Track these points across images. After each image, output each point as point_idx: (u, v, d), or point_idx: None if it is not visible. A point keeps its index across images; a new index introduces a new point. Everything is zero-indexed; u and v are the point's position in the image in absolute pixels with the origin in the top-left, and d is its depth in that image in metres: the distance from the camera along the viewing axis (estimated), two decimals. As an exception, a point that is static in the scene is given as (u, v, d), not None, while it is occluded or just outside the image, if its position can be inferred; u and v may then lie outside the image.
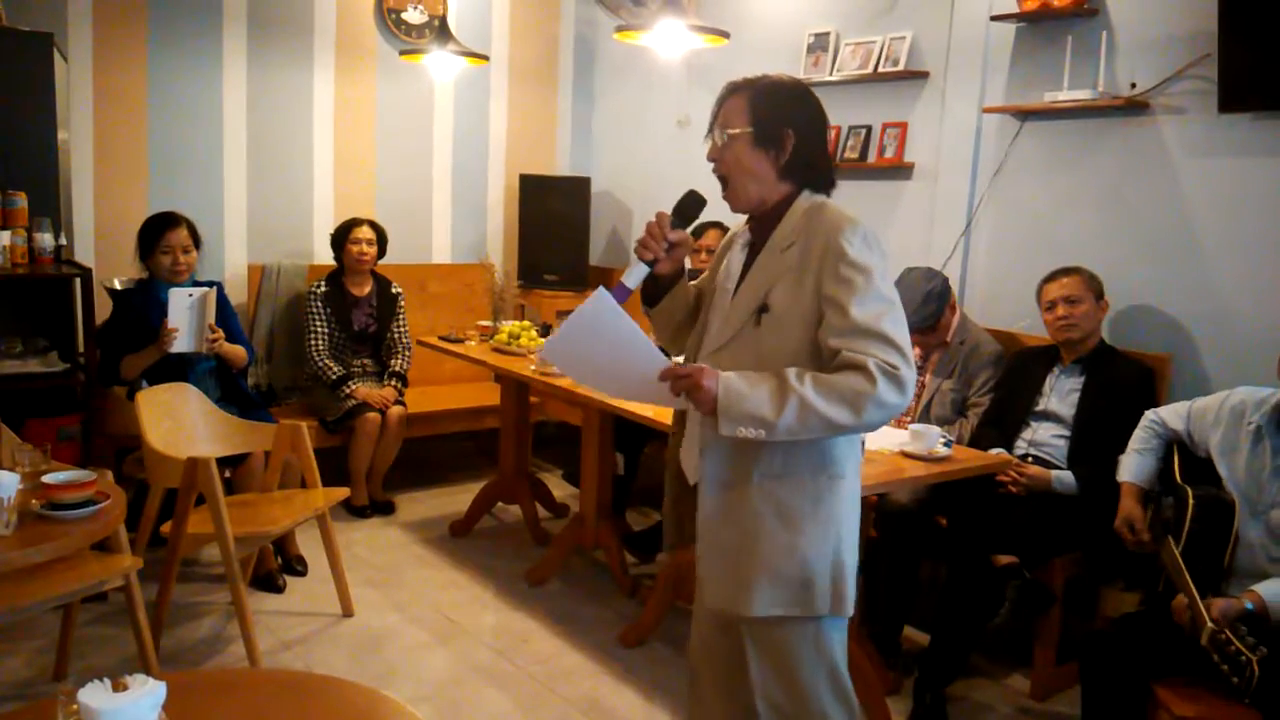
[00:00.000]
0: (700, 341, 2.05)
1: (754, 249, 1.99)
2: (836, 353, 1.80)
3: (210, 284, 3.79)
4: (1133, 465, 2.80)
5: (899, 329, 1.82)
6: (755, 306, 1.92)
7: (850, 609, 1.99)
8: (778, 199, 1.96)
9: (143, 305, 3.72)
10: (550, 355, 2.07)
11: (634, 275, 1.93)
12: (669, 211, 1.98)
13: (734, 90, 1.97)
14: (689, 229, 1.99)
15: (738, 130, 1.92)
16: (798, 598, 1.94)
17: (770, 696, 2.02)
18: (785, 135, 1.91)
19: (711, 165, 1.98)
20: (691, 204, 1.99)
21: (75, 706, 1.45)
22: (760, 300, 1.91)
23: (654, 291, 2.07)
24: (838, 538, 1.96)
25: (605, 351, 1.87)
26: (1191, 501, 2.51)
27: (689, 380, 1.78)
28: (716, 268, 2.10)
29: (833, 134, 4.53)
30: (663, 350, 1.94)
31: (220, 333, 3.72)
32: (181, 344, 3.62)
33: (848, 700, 2.04)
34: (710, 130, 2.00)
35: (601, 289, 1.82)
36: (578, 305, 1.84)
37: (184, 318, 3.62)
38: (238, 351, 3.87)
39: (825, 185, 1.98)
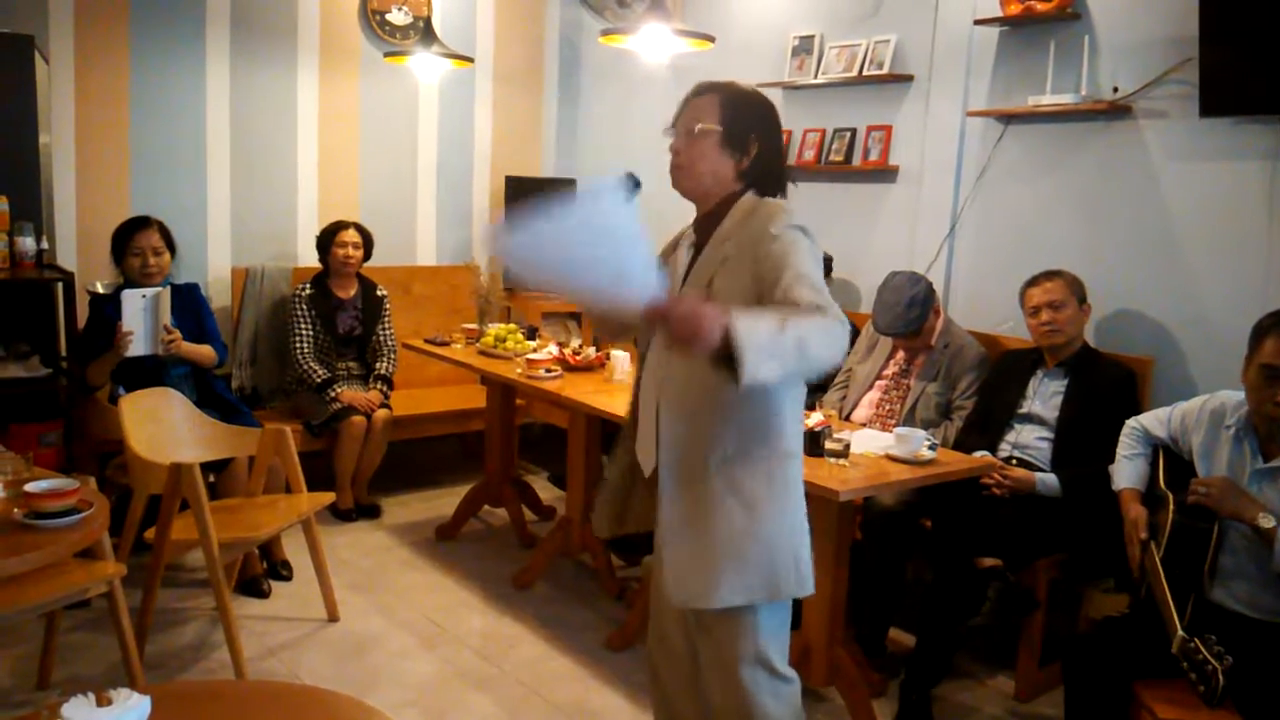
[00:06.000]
0: (649, 340, 2.10)
1: (697, 249, 2.07)
2: (787, 303, 1.81)
3: (165, 284, 3.75)
4: (1126, 471, 2.77)
5: (824, 289, 1.85)
6: (699, 295, 1.97)
7: (812, 587, 2.04)
8: (724, 196, 2.03)
9: (115, 310, 3.66)
10: (510, 243, 1.66)
11: None
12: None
13: (707, 89, 2.04)
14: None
15: (708, 126, 1.98)
16: (764, 583, 1.98)
17: (712, 693, 2.06)
18: (750, 141, 2.00)
19: (672, 153, 2.03)
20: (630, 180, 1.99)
21: (59, 721, 1.45)
22: (703, 291, 1.98)
23: None
24: (795, 517, 2.03)
25: (585, 251, 1.61)
26: (1172, 506, 2.53)
27: (694, 321, 1.58)
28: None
29: (817, 136, 4.55)
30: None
31: (176, 333, 3.67)
32: (137, 347, 3.58)
33: (790, 698, 2.08)
34: (675, 122, 2.06)
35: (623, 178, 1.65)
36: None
37: (139, 319, 3.57)
38: (203, 352, 3.83)
39: (776, 189, 2.06)
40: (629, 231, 1.64)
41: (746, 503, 1.95)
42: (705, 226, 2.06)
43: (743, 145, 1.99)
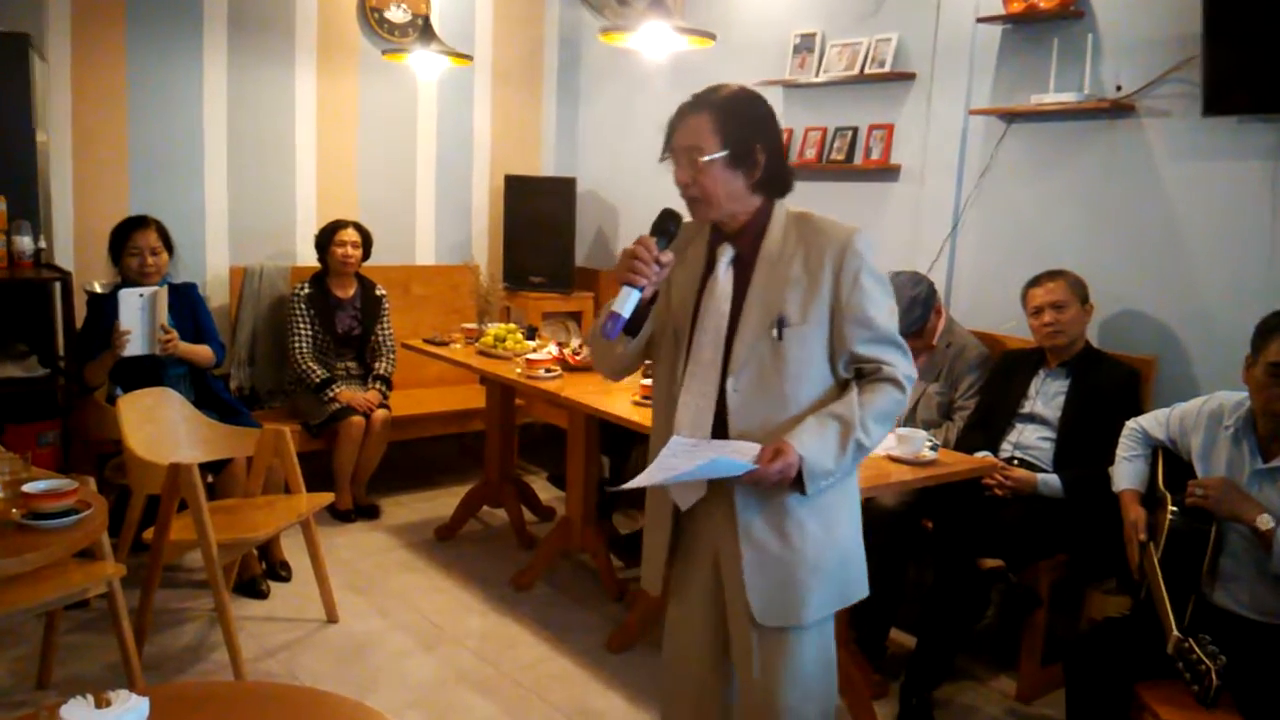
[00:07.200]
0: (686, 360, 1.98)
1: (740, 264, 1.97)
2: (863, 360, 1.94)
3: (162, 284, 3.74)
4: (1126, 472, 2.76)
5: (897, 335, 1.98)
6: (772, 320, 1.91)
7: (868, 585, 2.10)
8: (752, 211, 1.96)
9: (112, 310, 3.64)
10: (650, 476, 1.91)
11: (628, 304, 1.88)
12: (649, 232, 1.93)
13: (694, 109, 1.92)
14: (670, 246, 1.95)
15: (713, 155, 1.88)
16: (842, 590, 2.02)
17: (781, 700, 2.02)
18: (757, 152, 1.91)
19: (681, 185, 1.94)
20: (671, 221, 1.94)
21: (57, 724, 1.43)
22: (776, 314, 1.91)
23: (633, 319, 1.94)
24: (857, 517, 2.05)
25: (687, 464, 1.90)
26: (1171, 508, 2.52)
27: (784, 465, 1.83)
28: (692, 283, 2.01)
29: (819, 135, 4.54)
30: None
31: (173, 333, 3.66)
32: (134, 346, 3.57)
33: (833, 696, 2.10)
34: (668, 150, 1.96)
35: (676, 438, 1.93)
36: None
37: (136, 319, 3.56)
38: (200, 351, 3.82)
39: (786, 191, 2.00)
40: (703, 451, 1.91)
41: (825, 517, 1.96)
42: (743, 240, 1.96)
43: (750, 158, 1.90)
